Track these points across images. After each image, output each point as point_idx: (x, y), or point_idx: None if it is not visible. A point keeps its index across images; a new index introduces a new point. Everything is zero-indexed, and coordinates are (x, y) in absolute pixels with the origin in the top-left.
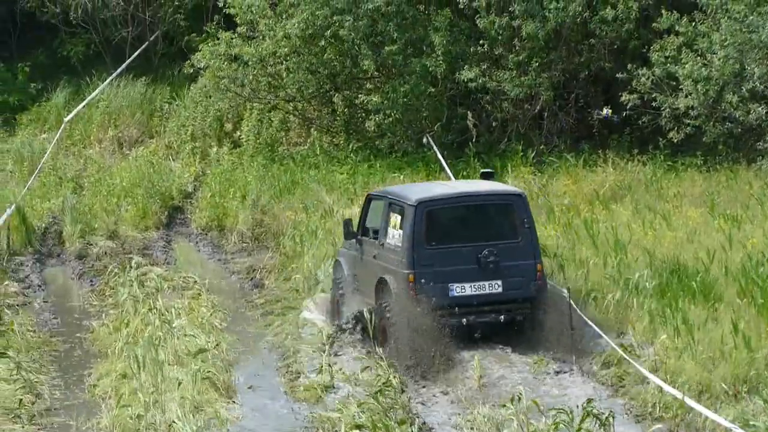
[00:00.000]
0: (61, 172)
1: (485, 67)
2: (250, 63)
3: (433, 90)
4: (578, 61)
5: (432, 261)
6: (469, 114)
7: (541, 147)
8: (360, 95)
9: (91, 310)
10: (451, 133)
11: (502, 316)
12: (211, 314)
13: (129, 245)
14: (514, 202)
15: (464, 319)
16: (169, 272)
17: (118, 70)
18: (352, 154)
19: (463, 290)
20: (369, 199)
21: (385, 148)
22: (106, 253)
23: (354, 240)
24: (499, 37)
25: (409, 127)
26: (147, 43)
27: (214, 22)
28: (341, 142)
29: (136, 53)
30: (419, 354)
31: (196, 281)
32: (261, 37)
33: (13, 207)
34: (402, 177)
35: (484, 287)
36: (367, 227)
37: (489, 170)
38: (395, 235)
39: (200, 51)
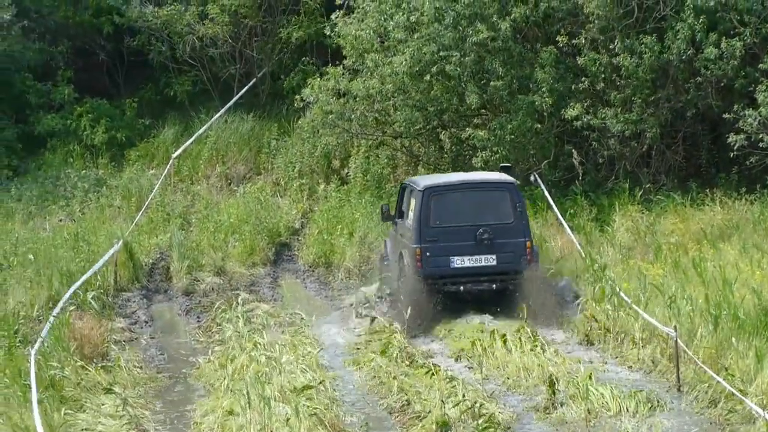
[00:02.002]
0: (168, 208)
1: (588, 104)
2: (357, 99)
3: (539, 127)
4: (685, 99)
5: (436, 237)
6: (574, 153)
7: (648, 185)
8: (467, 130)
9: (197, 346)
10: (558, 171)
11: (495, 285)
12: (317, 351)
13: (236, 281)
14: (507, 189)
15: (462, 287)
16: (276, 309)
17: (226, 107)
18: None
19: (462, 262)
20: (402, 187)
21: None
22: (212, 289)
23: (391, 222)
24: (602, 75)
25: (517, 165)
26: (255, 79)
27: (318, 59)
28: None
29: (244, 90)
30: (421, 313)
31: (302, 317)
32: (368, 73)
33: (120, 243)
34: None
35: (480, 260)
36: (402, 210)
37: (508, 164)
38: (411, 216)
39: (308, 86)
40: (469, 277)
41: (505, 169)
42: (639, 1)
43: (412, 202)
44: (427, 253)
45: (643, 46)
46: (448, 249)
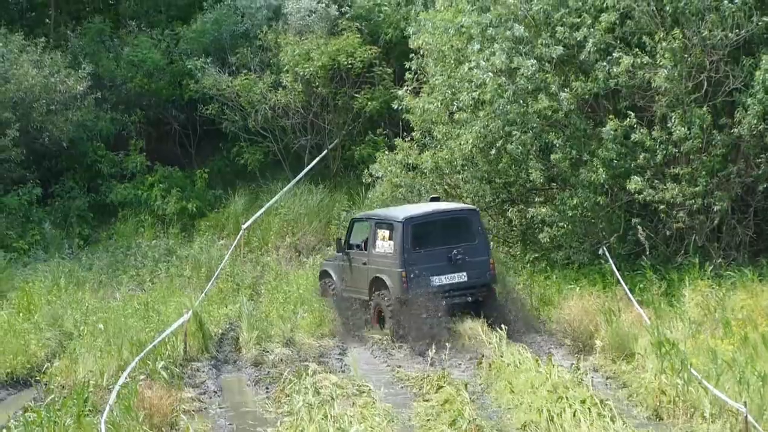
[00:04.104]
0: (238, 279)
1: (650, 176)
2: (426, 172)
3: (603, 201)
4: (756, 173)
5: (417, 261)
6: (639, 228)
7: (719, 260)
8: (531, 208)
9: (266, 416)
10: (627, 244)
11: (469, 298)
12: (386, 422)
13: (305, 352)
14: (471, 216)
15: (443, 302)
16: (344, 380)
17: (297, 178)
18: (528, 265)
19: (440, 281)
20: (353, 222)
21: (561, 260)
22: (281, 359)
23: (342, 253)
24: (664, 149)
25: (585, 239)
26: (326, 151)
27: (389, 128)
28: (518, 252)
29: (315, 161)
30: (410, 327)
31: (370, 389)
32: (437, 146)
33: (190, 312)
34: (578, 288)
35: (454, 277)
36: (351, 243)
37: (436, 196)
38: (385, 245)
39: (377, 160)
40: (447, 293)
41: (434, 200)
42: (708, 75)
43: (385, 233)
44: (411, 275)
45: (710, 120)
46: (428, 270)
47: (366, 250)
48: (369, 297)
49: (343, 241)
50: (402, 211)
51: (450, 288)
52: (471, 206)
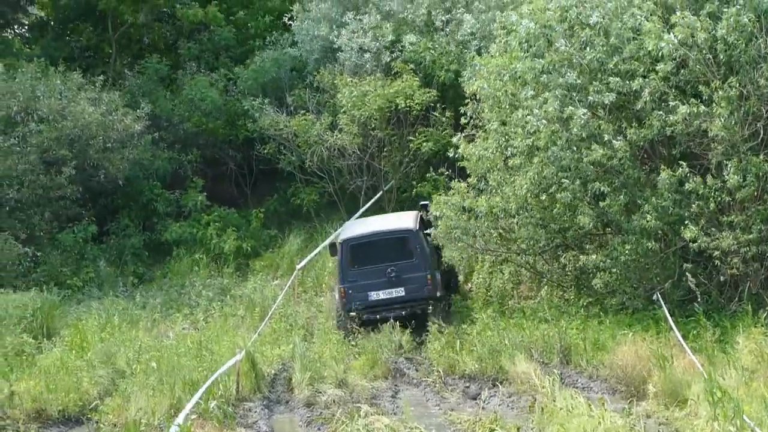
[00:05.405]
0: (291, 319)
1: (704, 224)
2: (481, 216)
3: (656, 247)
4: None
5: (356, 278)
6: (688, 275)
7: None
8: (582, 254)
9: None
10: (680, 290)
11: (405, 312)
12: None
13: (357, 394)
14: (408, 235)
15: (378, 315)
16: (396, 422)
17: (352, 219)
18: (582, 310)
19: (378, 296)
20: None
21: (615, 305)
22: (334, 401)
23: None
24: (718, 197)
25: (639, 285)
26: (381, 192)
27: (445, 173)
28: (572, 297)
29: (370, 202)
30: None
31: (421, 431)
32: (491, 190)
33: (243, 352)
34: (632, 334)
35: (392, 293)
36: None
37: (425, 202)
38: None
39: (433, 201)
40: (384, 306)
41: (424, 207)
42: (765, 123)
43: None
44: (350, 291)
45: (766, 169)
46: (366, 286)
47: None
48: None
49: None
50: (350, 231)
51: (388, 302)
52: (410, 227)
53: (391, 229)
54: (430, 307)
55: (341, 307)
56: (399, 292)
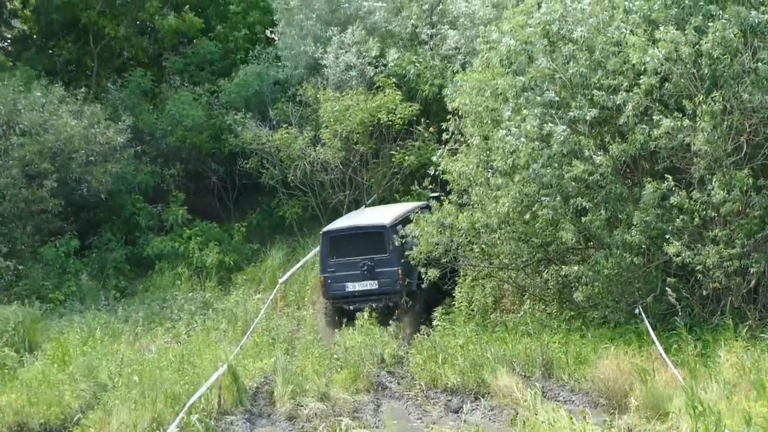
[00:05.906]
0: (274, 333)
1: (687, 238)
2: (462, 231)
3: (639, 261)
4: None
5: (334, 269)
6: (668, 290)
7: (755, 321)
8: (564, 267)
9: None
10: (663, 304)
11: (373, 304)
12: None
13: (339, 407)
14: (383, 231)
15: (352, 306)
16: None
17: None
18: (564, 324)
19: (354, 287)
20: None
21: (597, 319)
22: (316, 414)
23: None
24: (702, 212)
25: (621, 298)
26: (363, 206)
27: (429, 187)
28: (554, 310)
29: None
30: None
31: None
32: (473, 206)
33: (225, 366)
34: (613, 348)
35: (366, 285)
36: None
37: (437, 194)
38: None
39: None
40: (358, 298)
41: (436, 198)
42: (748, 137)
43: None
44: (328, 281)
45: (749, 183)
46: (343, 277)
47: None
48: None
49: None
50: (333, 223)
51: (362, 294)
52: (384, 222)
53: (366, 224)
54: (404, 301)
55: (323, 294)
56: (372, 285)
